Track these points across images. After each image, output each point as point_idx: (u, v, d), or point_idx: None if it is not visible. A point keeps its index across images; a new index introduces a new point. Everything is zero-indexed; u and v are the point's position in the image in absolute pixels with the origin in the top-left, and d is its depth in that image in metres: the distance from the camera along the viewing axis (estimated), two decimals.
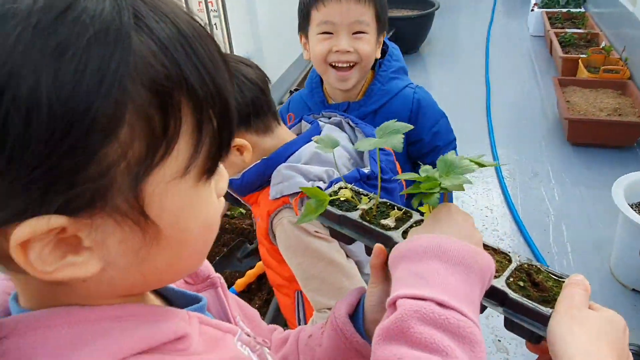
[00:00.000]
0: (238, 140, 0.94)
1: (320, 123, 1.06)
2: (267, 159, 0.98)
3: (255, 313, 0.67)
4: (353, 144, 1.05)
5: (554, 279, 0.58)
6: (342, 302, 0.65)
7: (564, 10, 4.50)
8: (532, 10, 4.69)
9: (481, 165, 0.58)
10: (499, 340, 1.80)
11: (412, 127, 0.61)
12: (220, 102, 0.38)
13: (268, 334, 0.71)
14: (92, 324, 0.37)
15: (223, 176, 0.45)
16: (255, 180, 0.98)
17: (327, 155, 0.94)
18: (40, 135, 0.29)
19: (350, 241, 0.68)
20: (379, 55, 1.27)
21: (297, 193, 0.92)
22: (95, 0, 0.32)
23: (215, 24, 2.12)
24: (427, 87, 4.34)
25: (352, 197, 0.69)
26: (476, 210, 2.46)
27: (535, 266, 0.60)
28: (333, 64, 1.21)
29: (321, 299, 0.96)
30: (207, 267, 0.57)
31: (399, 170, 1.14)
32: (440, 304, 0.46)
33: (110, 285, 0.38)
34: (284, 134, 1.02)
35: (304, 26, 1.25)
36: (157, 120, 0.34)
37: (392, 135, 0.60)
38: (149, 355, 0.38)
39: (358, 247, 0.99)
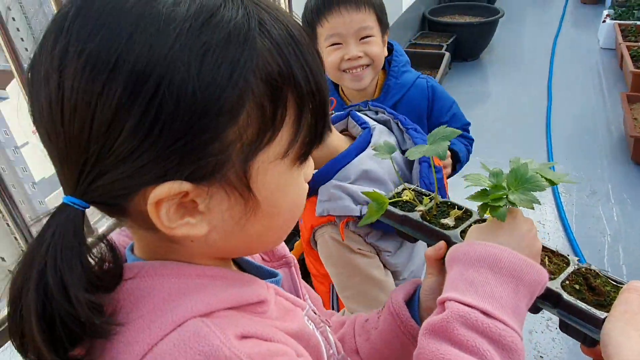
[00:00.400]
0: None
1: (371, 123, 1.06)
2: (317, 173, 0.99)
3: (318, 297, 0.72)
4: (401, 148, 1.06)
5: (612, 284, 0.59)
6: (399, 290, 0.69)
7: (639, 22, 4.27)
8: (604, 21, 4.48)
9: (552, 182, 0.59)
10: (541, 357, 1.77)
11: (460, 132, 0.64)
12: (318, 97, 0.44)
13: (328, 316, 0.76)
14: (194, 278, 0.44)
15: (310, 164, 0.51)
16: (313, 185, 1.01)
17: (375, 173, 0.96)
18: (184, 114, 0.37)
19: (413, 240, 0.72)
20: (386, 53, 1.33)
21: (345, 216, 0.95)
22: (231, 9, 0.39)
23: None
24: (485, 95, 4.25)
25: (413, 198, 0.73)
26: None
27: (594, 271, 0.61)
28: (346, 70, 1.28)
29: (354, 306, 1.02)
30: (283, 247, 0.63)
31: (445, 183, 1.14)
32: (485, 313, 0.50)
33: (210, 247, 0.45)
34: (334, 141, 1.02)
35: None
36: (269, 109, 0.40)
37: (441, 142, 0.63)
38: (235, 311, 0.44)
39: (397, 258, 1.03)
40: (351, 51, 1.24)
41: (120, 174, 0.38)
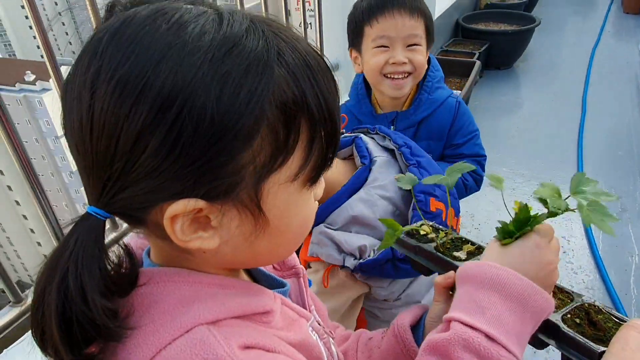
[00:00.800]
0: None
1: (373, 154, 1.03)
2: None
3: (324, 308, 0.75)
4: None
5: (615, 321, 0.59)
6: (407, 314, 0.71)
7: None
8: None
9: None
10: None
11: (473, 167, 0.66)
12: (330, 124, 0.46)
13: (333, 328, 0.78)
14: (204, 286, 0.47)
15: (321, 184, 0.52)
16: None
17: (366, 218, 0.96)
18: (203, 137, 0.39)
19: (427, 271, 0.74)
20: (426, 66, 1.33)
21: (329, 263, 0.97)
22: (252, 40, 0.41)
23: (310, 24, 2.21)
24: (517, 105, 4.18)
25: (430, 231, 0.75)
26: None
27: (597, 307, 0.61)
28: (388, 75, 1.27)
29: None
30: (294, 258, 0.65)
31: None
32: (489, 337, 0.51)
33: (221, 258, 0.48)
34: (333, 174, 1.01)
35: (356, 41, 1.33)
36: (282, 134, 0.43)
37: (455, 174, 0.65)
38: (241, 320, 0.47)
39: (391, 289, 1.06)
40: (397, 55, 1.25)
41: (141, 190, 0.41)
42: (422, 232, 0.75)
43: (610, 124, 3.36)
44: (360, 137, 1.08)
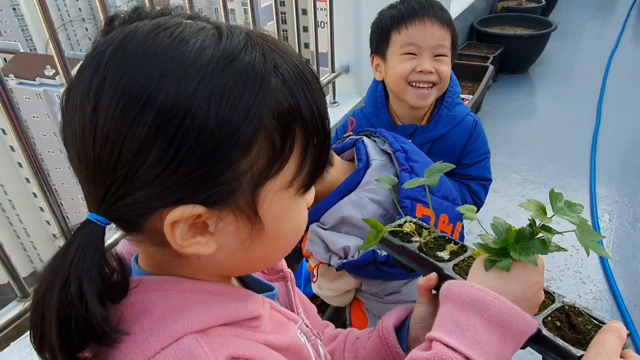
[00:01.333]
0: None
1: (372, 157, 1.05)
2: (308, 214, 1.03)
3: (313, 307, 0.77)
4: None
5: (594, 323, 0.59)
6: (392, 314, 0.72)
7: None
8: None
9: (559, 249, 0.59)
10: None
11: (453, 166, 0.65)
12: (323, 133, 0.48)
13: (321, 328, 0.79)
14: (193, 293, 0.48)
15: (312, 192, 0.55)
16: None
17: (354, 220, 0.98)
18: (204, 147, 0.41)
19: (410, 270, 0.74)
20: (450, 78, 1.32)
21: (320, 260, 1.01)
22: (249, 53, 0.43)
23: (321, 22, 2.22)
24: (531, 110, 4.13)
25: (414, 230, 0.75)
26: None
27: (577, 309, 0.62)
28: (413, 84, 1.26)
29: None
30: (282, 262, 0.66)
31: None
32: (468, 359, 0.52)
33: (214, 265, 0.49)
34: (333, 176, 1.03)
35: (380, 48, 1.32)
36: (278, 143, 0.44)
37: (434, 174, 0.65)
38: (230, 327, 0.48)
39: (380, 287, 1.09)
40: (425, 64, 1.24)
41: (142, 197, 0.42)
42: (405, 230, 0.75)
43: (625, 131, 3.31)
44: (362, 140, 1.09)
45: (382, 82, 1.37)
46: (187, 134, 0.40)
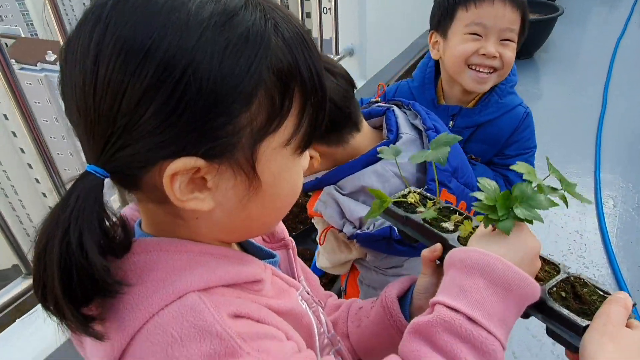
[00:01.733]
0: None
1: (402, 130, 1.02)
2: (326, 176, 1.00)
3: (315, 278, 0.77)
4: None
5: (599, 294, 0.59)
6: (395, 285, 0.72)
7: None
8: None
9: (563, 198, 0.59)
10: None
11: (460, 138, 0.64)
12: (320, 93, 0.49)
13: (324, 298, 0.79)
14: (195, 255, 0.48)
15: (306, 156, 0.56)
16: (316, 185, 1.05)
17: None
18: (205, 99, 0.42)
19: (414, 241, 0.73)
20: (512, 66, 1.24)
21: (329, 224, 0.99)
22: (250, 12, 0.43)
23: (324, 9, 2.20)
24: (536, 96, 4.10)
25: (418, 200, 0.74)
26: (564, 232, 2.32)
27: (582, 280, 0.61)
28: (473, 67, 1.19)
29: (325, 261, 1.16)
30: (283, 230, 0.67)
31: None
32: (470, 319, 0.51)
33: (213, 225, 0.49)
34: (358, 141, 1.01)
35: (442, 25, 1.23)
36: (277, 100, 0.45)
37: (441, 148, 0.64)
38: (232, 289, 0.48)
39: (383, 260, 1.08)
40: (489, 47, 1.16)
41: (142, 147, 0.42)
42: (409, 201, 0.74)
43: (631, 117, 3.28)
44: (393, 110, 1.06)
45: (437, 60, 1.29)
46: (189, 85, 0.40)
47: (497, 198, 0.58)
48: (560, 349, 1.75)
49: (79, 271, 0.42)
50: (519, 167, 0.59)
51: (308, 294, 0.61)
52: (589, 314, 0.56)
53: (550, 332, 0.59)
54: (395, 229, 0.96)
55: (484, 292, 0.53)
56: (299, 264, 0.69)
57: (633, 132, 3.13)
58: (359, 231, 0.98)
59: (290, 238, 0.67)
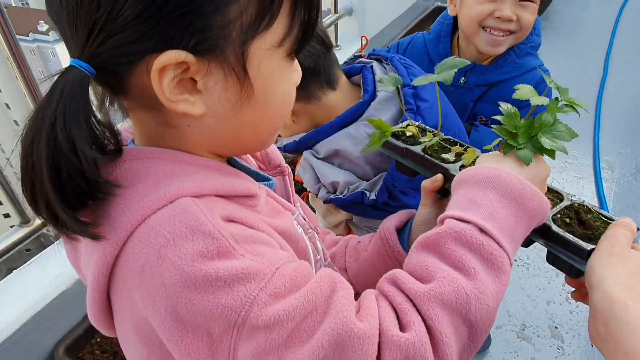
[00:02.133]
0: None
1: (378, 87, 0.96)
2: (302, 139, 0.98)
3: (312, 214, 0.74)
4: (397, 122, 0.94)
5: (603, 219, 0.59)
6: (393, 217, 0.71)
7: None
8: None
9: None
10: (556, 327, 1.75)
11: (468, 62, 0.61)
12: None
13: (322, 234, 0.78)
14: (187, 165, 0.47)
15: (298, 70, 0.54)
16: (295, 148, 1.01)
17: (348, 154, 0.93)
18: None
19: (413, 174, 0.72)
20: (531, 28, 1.17)
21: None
22: None
23: None
24: None
25: (417, 132, 0.72)
26: None
27: (586, 207, 0.61)
28: (487, 28, 1.13)
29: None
30: (279, 156, 0.65)
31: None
32: (481, 230, 0.49)
33: (206, 134, 0.48)
34: (336, 102, 0.96)
35: None
36: None
37: (447, 70, 0.62)
38: (225, 200, 0.46)
39: (370, 221, 1.07)
40: (505, 10, 1.09)
41: (127, 38, 0.40)
42: (408, 134, 0.72)
43: (631, 84, 3.26)
44: (369, 68, 1.00)
45: (455, 16, 1.23)
46: None
47: (519, 125, 0.57)
48: (554, 308, 1.79)
49: (68, 167, 0.40)
50: (522, 90, 0.57)
51: (304, 219, 0.59)
52: (593, 239, 0.55)
53: (551, 259, 0.58)
54: (367, 194, 0.95)
55: (496, 204, 0.51)
56: (297, 198, 0.67)
57: (633, 98, 3.11)
58: (331, 196, 0.97)
59: (286, 165, 0.65)
